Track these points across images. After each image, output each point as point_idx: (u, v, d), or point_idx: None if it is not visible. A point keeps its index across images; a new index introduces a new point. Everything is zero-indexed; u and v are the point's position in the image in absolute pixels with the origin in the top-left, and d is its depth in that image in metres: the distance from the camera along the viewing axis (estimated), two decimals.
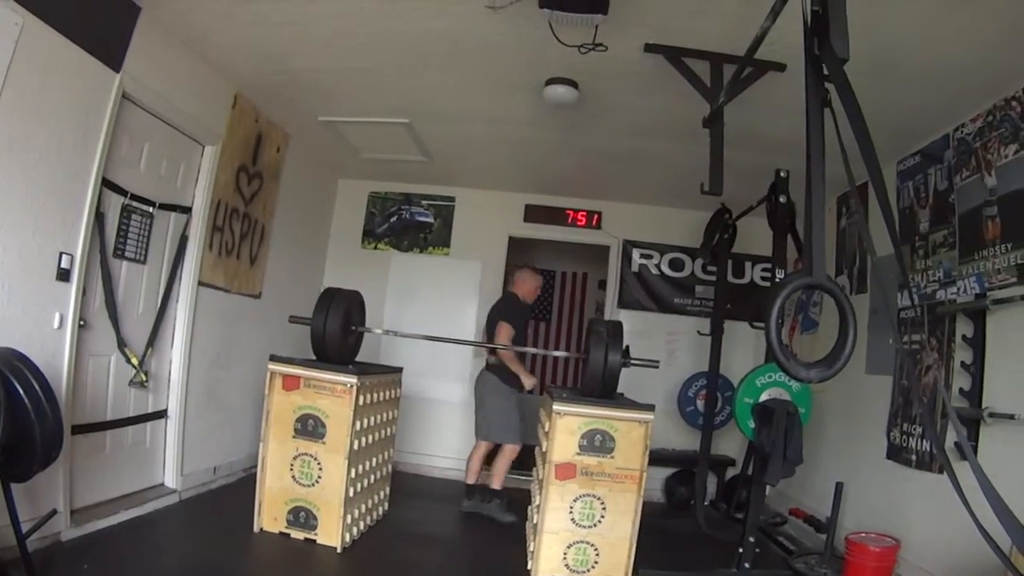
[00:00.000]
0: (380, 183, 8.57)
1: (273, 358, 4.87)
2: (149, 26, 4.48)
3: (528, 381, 6.32)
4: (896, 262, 4.27)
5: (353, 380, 4.74)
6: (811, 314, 7.16)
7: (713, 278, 8.02)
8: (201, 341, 5.62)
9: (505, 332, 6.22)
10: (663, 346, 8.01)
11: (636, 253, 8.46)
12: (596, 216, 8.51)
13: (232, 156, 5.76)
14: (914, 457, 5.02)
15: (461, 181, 8.40)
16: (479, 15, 4.19)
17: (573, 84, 5.09)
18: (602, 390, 4.86)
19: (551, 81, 5.09)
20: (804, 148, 5.48)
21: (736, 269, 8.12)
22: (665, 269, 8.41)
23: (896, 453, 5.27)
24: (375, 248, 8.57)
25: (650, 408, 4.71)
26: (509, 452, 6.30)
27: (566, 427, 4.59)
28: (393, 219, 8.60)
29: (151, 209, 4.92)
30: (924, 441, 4.93)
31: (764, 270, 8.15)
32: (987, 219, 4.52)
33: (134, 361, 4.78)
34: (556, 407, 4.59)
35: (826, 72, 2.70)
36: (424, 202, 8.60)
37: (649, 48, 4.44)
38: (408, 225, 8.59)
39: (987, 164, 4.57)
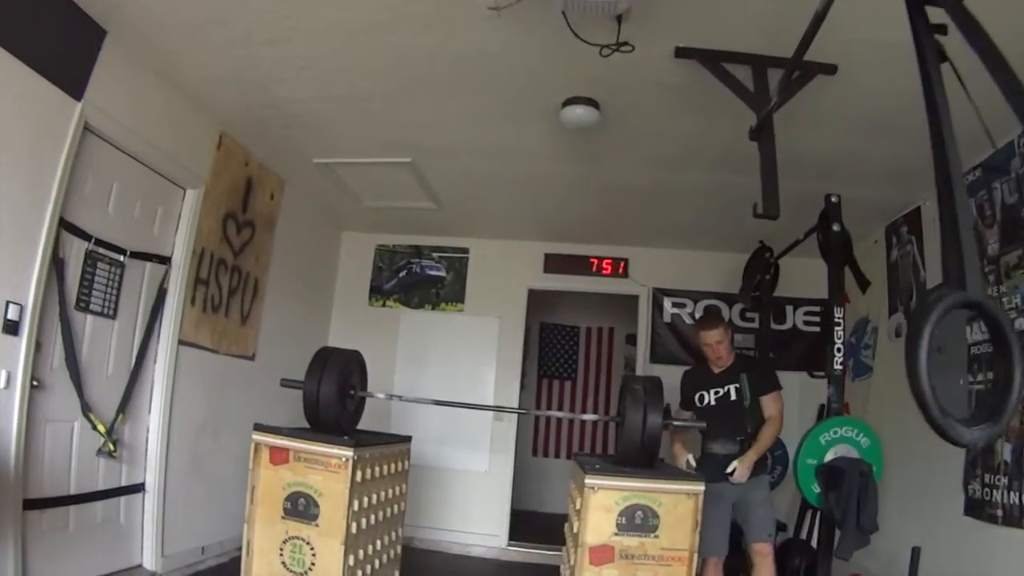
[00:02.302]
0: (387, 235, 8.23)
1: (258, 427, 4.37)
2: (117, 52, 4.16)
3: (680, 458, 5.00)
4: None
5: (348, 453, 4.20)
6: (863, 357, 6.65)
7: (752, 325, 7.60)
8: (183, 407, 5.19)
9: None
10: None
11: (668, 302, 8.00)
12: (622, 264, 8.09)
13: (218, 201, 5.40)
14: (1000, 512, 4.44)
15: (474, 231, 8.04)
16: (480, 22, 3.79)
17: (594, 104, 4.68)
18: (641, 458, 4.33)
19: (568, 101, 4.69)
20: (852, 169, 5.15)
21: (776, 314, 7.65)
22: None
23: (977, 508, 4.70)
24: (383, 305, 8.18)
25: (700, 478, 4.19)
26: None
27: (601, 503, 4.02)
28: (402, 274, 8.22)
29: (121, 257, 4.53)
30: (1012, 493, 4.37)
31: (807, 314, 7.68)
32: None
33: (101, 428, 4.32)
34: (589, 480, 4.03)
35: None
36: (435, 255, 8.24)
37: (681, 53, 4.02)
38: (418, 280, 8.21)
39: None
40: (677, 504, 4.05)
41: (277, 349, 6.47)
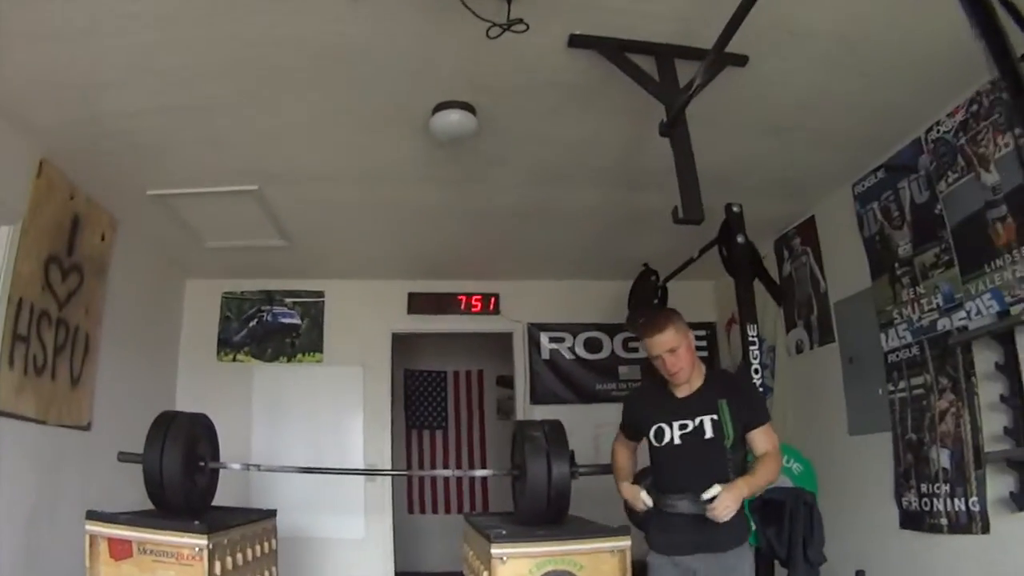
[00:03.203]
0: (234, 281, 7.50)
1: (92, 515, 3.72)
2: None
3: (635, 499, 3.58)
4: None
5: (202, 542, 3.61)
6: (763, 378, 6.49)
7: (640, 355, 7.31)
8: (10, 492, 4.33)
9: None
10: (591, 442, 7.14)
11: (544, 337, 7.70)
12: (493, 299, 7.74)
13: (39, 242, 4.59)
14: (945, 521, 4.31)
15: (330, 271, 7.46)
16: (339, 9, 3.32)
17: (470, 109, 4.22)
18: (549, 514, 3.96)
19: (441, 106, 4.20)
20: (744, 179, 4.98)
21: None
22: (581, 352, 7.69)
23: (916, 520, 4.57)
24: (234, 360, 7.41)
25: (624, 531, 3.74)
26: None
27: (513, 575, 3.59)
28: (252, 323, 7.50)
29: None
30: (956, 500, 4.22)
31: (698, 338, 7.49)
32: (994, 222, 3.98)
33: None
34: (496, 551, 3.57)
35: None
36: (288, 300, 7.58)
37: (576, 41, 3.64)
38: (271, 329, 7.52)
39: (981, 159, 4.06)
40: (600, 564, 3.66)
41: (117, 416, 5.59)
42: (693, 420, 3.42)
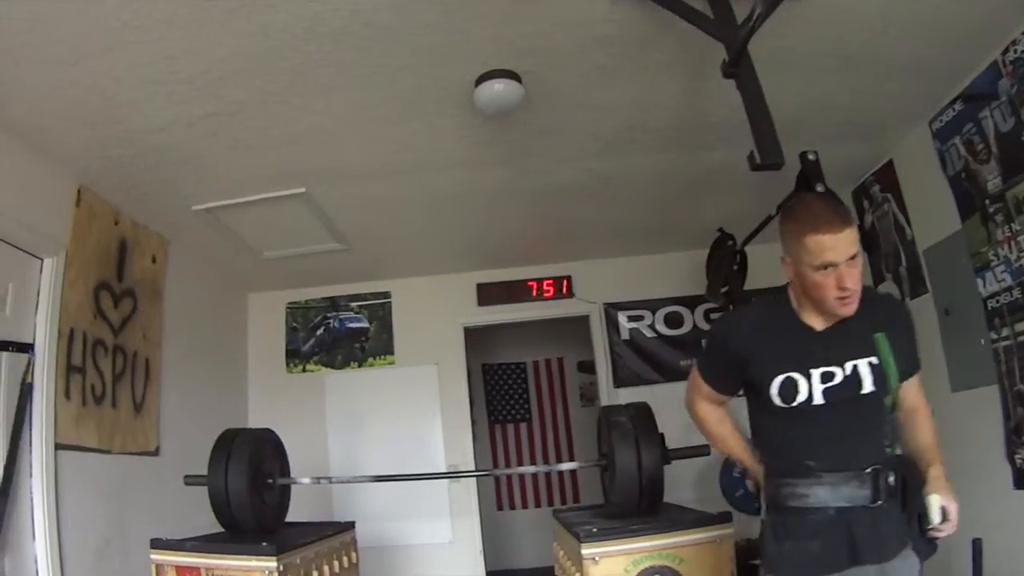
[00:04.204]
0: (297, 290, 7.51)
1: (157, 544, 3.72)
2: None
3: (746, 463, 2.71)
4: None
5: (271, 564, 3.52)
6: None
7: None
8: (77, 524, 4.32)
9: (690, 382, 2.81)
10: (679, 421, 6.92)
11: (622, 317, 7.46)
12: (565, 282, 7.54)
13: (85, 270, 4.60)
14: None
15: (393, 270, 7.40)
16: None
17: (515, 77, 3.95)
18: (643, 505, 3.80)
19: (483, 77, 3.94)
20: (814, 124, 4.75)
21: None
22: (661, 329, 7.41)
23: None
24: (304, 370, 7.40)
25: (726, 518, 3.55)
26: None
27: (608, 575, 3.42)
28: (319, 332, 7.49)
29: None
30: None
31: None
32: None
33: None
34: (586, 551, 3.42)
35: None
36: (354, 304, 7.54)
37: None
38: (338, 336, 7.49)
39: None
40: (703, 556, 3.49)
41: (186, 438, 5.61)
42: (843, 366, 2.32)
